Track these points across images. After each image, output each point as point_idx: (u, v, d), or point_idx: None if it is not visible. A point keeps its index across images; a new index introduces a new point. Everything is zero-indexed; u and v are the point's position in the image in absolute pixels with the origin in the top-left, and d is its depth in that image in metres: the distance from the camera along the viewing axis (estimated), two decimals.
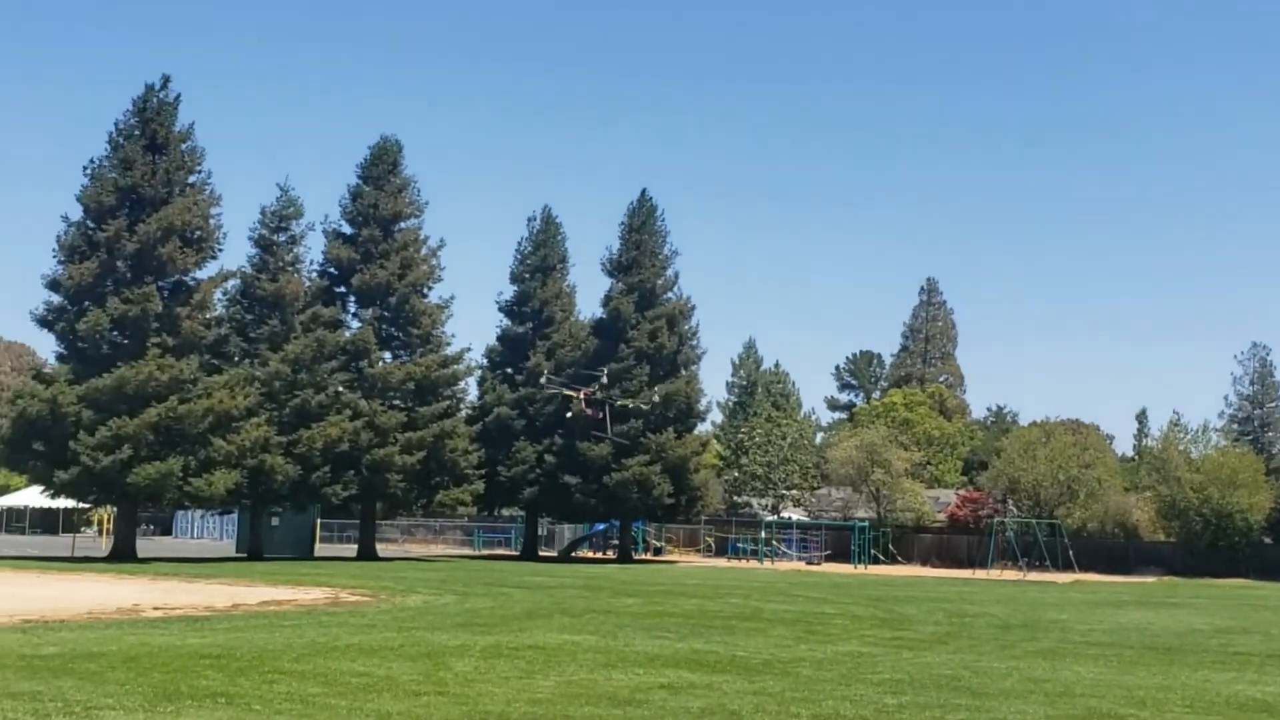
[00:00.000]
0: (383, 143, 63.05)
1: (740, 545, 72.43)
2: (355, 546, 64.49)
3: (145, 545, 60.06)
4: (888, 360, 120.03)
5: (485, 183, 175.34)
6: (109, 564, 45.95)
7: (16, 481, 77.71)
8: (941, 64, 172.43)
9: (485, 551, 75.85)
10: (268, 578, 38.05)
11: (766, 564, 66.56)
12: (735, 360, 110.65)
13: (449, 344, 63.35)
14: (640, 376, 65.10)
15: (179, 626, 21.07)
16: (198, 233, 52.69)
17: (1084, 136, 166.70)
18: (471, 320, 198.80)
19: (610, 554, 72.85)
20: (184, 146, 53.12)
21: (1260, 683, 17.08)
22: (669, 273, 69.97)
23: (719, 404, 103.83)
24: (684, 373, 69.13)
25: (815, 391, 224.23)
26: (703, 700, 13.56)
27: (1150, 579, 61.08)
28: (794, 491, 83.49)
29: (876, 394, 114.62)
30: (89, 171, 51.89)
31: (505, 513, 79.51)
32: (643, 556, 72.87)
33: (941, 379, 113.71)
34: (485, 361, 69.70)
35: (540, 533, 74.58)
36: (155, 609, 24.70)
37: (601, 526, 74.22)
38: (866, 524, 70.85)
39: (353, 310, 62.40)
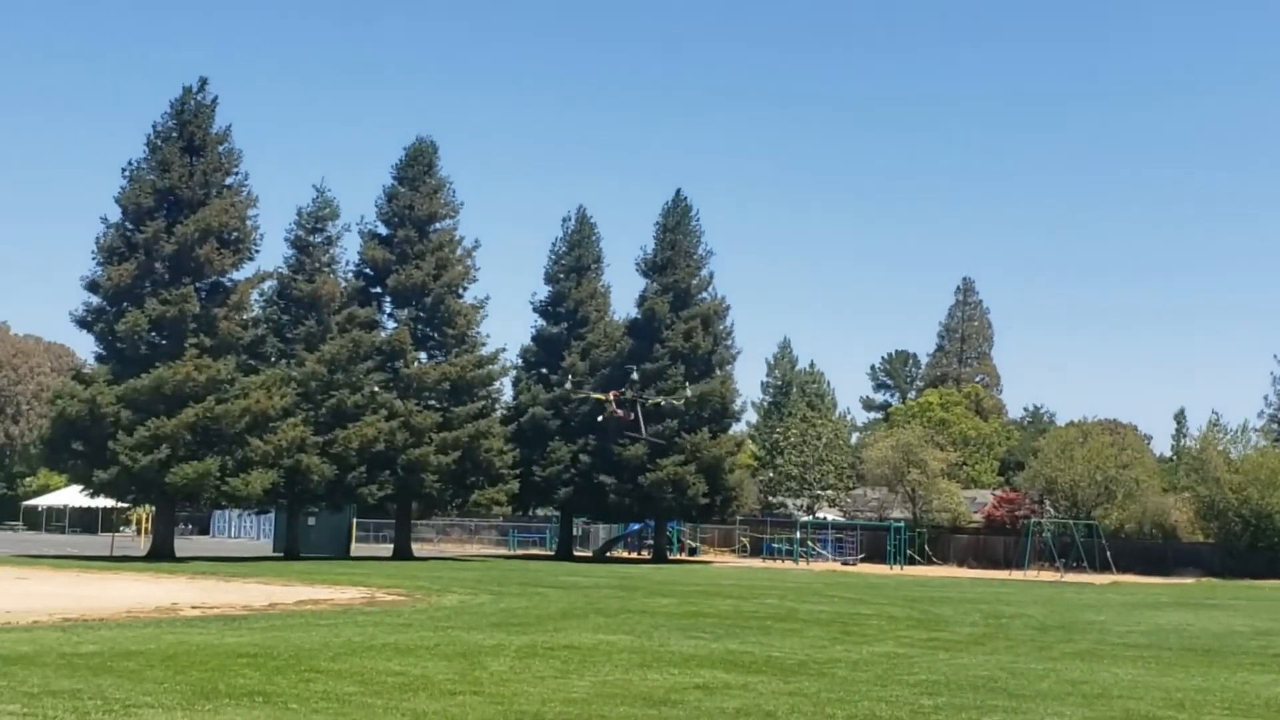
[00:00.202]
0: (418, 144, 63.28)
1: (775, 546, 72.28)
2: (391, 546, 64.70)
3: (183, 544, 60.43)
4: (923, 360, 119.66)
5: (520, 183, 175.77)
6: (147, 563, 46.25)
7: (56, 481, 78.48)
8: (978, 63, 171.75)
9: (520, 551, 75.96)
10: (304, 577, 38.21)
11: (801, 564, 66.42)
12: (770, 360, 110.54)
13: (484, 344, 63.59)
14: (675, 376, 65.07)
15: (216, 625, 21.18)
16: (235, 234, 53.00)
17: (1121, 134, 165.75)
18: (506, 321, 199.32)
19: (645, 554, 72.85)
20: (221, 148, 53.43)
21: None
22: (704, 273, 69.99)
23: (754, 404, 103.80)
24: (719, 373, 69.07)
25: (850, 391, 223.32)
26: (738, 701, 13.53)
27: (1189, 580, 60.61)
28: (829, 492, 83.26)
29: (912, 394, 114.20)
30: (127, 173, 52.31)
31: (540, 513, 79.62)
32: (677, 557, 72.84)
33: (978, 379, 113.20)
34: (520, 362, 69.83)
35: (575, 533, 74.63)
36: (193, 608, 24.85)
37: (636, 526, 74.21)
38: (902, 524, 70.60)
39: (388, 311, 62.67)
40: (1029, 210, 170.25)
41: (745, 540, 77.41)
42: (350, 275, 61.82)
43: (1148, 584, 54.85)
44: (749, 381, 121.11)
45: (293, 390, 54.06)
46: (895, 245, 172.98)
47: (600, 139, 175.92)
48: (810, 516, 77.90)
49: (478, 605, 28.00)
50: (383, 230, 62.52)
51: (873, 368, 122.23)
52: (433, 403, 60.23)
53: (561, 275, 70.21)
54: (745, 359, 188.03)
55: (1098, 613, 31.94)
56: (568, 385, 62.58)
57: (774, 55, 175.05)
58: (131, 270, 50.62)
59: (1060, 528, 67.99)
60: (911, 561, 69.16)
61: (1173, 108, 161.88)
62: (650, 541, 72.08)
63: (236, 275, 53.76)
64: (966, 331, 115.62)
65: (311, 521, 60.93)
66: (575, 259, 70.31)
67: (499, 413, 65.88)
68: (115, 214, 52.18)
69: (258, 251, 54.45)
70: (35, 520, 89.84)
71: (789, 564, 66.94)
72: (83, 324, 51.95)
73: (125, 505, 65.90)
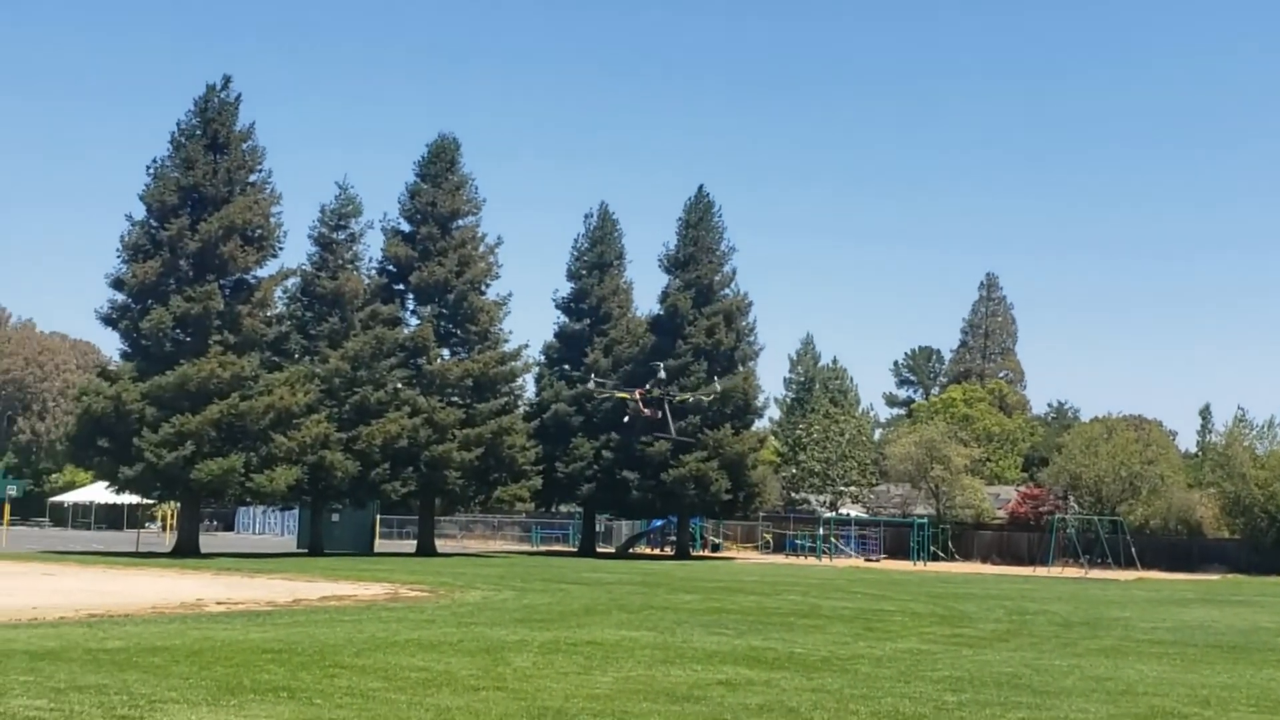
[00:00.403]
0: (440, 141, 63.41)
1: (798, 542, 72.21)
2: (414, 542, 64.85)
3: (208, 540, 60.68)
4: (947, 356, 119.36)
5: (542, 180, 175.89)
6: (172, 559, 46.49)
7: (82, 477, 78.92)
8: (1001, 57, 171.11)
9: (543, 548, 76.05)
10: (328, 573, 38.34)
11: (825, 561, 66.33)
12: (793, 356, 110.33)
13: (507, 341, 63.73)
14: (698, 373, 65.04)
15: (241, 621, 21.27)
16: (258, 231, 53.22)
17: (1144, 128, 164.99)
18: (529, 317, 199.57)
19: (668, 550, 72.86)
20: (245, 146, 53.66)
21: None
22: (726, 269, 69.96)
23: (776, 400, 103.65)
24: (741, 369, 68.99)
25: (874, 387, 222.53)
26: (761, 697, 13.53)
27: (1215, 576, 60.30)
28: (852, 488, 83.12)
29: (935, 390, 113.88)
30: (152, 171, 52.60)
31: (563, 509, 79.69)
32: (700, 553, 72.84)
33: (1001, 375, 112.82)
34: (543, 358, 69.88)
35: (598, 529, 74.68)
36: (218, 604, 24.96)
37: (659, 523, 74.22)
38: (925, 521, 70.42)
39: (411, 308, 62.87)
40: (1053, 206, 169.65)
41: (768, 536, 77.34)
42: (373, 272, 62.00)
43: (1173, 580, 54.60)
44: (772, 378, 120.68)
45: (316, 387, 54.24)
46: (919, 241, 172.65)
47: (623, 136, 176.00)
48: (833, 513, 77.79)
49: (501, 601, 28.05)
50: (405, 227, 62.69)
51: (896, 364, 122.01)
52: (455, 399, 60.36)
53: (584, 272, 70.23)
54: (768, 355, 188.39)
55: (1122, 609, 31.82)
56: (591, 384, 62.43)
57: (794, 53, 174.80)
58: (156, 267, 50.87)
59: (1085, 524, 67.73)
60: (935, 558, 68.99)
61: (1193, 100, 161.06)
62: (673, 538, 72.07)
63: (260, 272, 54.15)
64: (990, 327, 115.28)
65: (335, 518, 61.11)
66: (597, 255, 70.33)
67: (522, 409, 65.97)
68: (140, 211, 52.56)
69: (281, 248, 54.89)
70: (61, 517, 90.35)
71: (812, 560, 66.86)
72: (108, 321, 52.26)
73: (150, 502, 66.23)
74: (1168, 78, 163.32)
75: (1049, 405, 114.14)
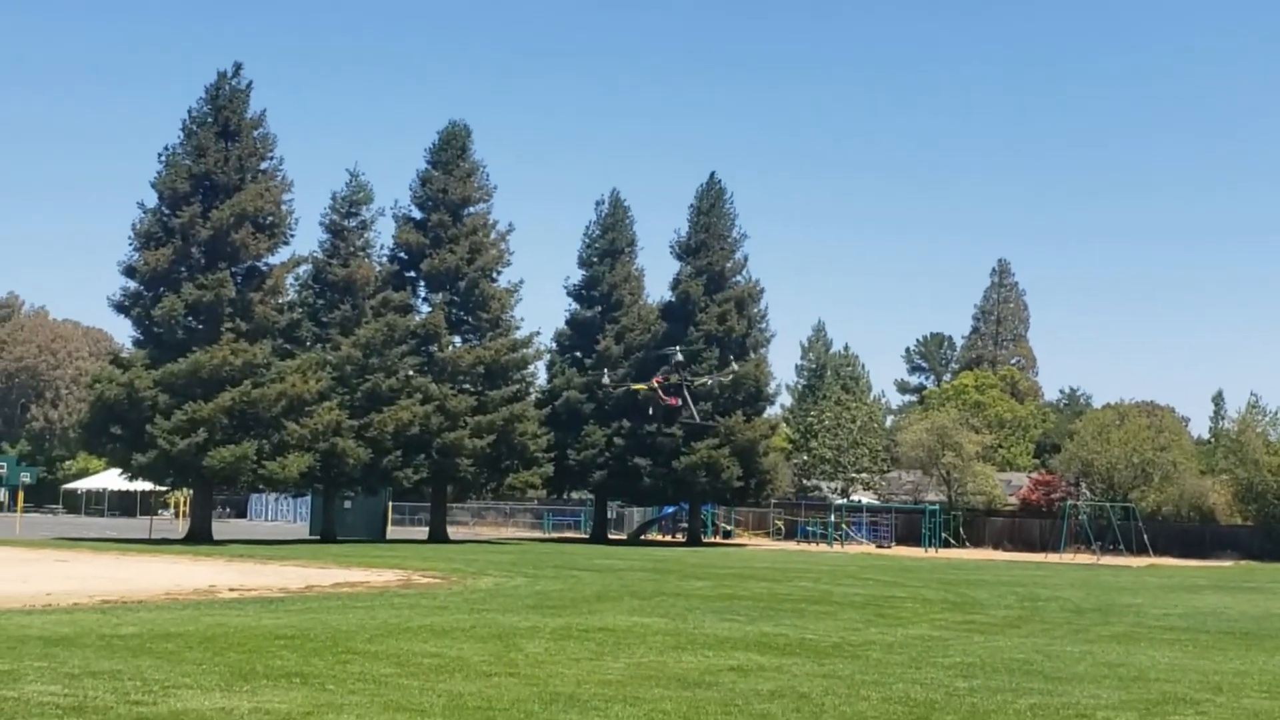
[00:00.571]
0: (451, 127, 63.36)
1: (810, 529, 72.24)
2: (426, 529, 64.98)
3: (220, 527, 60.88)
4: (959, 342, 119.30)
5: (554, 167, 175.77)
6: (185, 545, 46.60)
7: (95, 464, 79.11)
8: (1014, 45, 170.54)
9: (555, 534, 76.16)
10: (340, 560, 38.44)
11: (836, 547, 66.34)
12: (804, 343, 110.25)
13: (518, 328, 63.70)
14: (710, 359, 65.04)
15: (254, 607, 21.33)
16: (270, 218, 53.27)
17: (1156, 115, 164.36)
18: (540, 305, 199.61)
19: (679, 537, 72.93)
20: (256, 133, 53.69)
21: None
22: (738, 255, 69.94)
23: (788, 387, 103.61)
24: (753, 356, 68.98)
25: (885, 374, 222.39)
26: (772, 683, 13.54)
27: (1227, 563, 60.22)
28: (863, 475, 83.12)
29: (947, 376, 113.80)
30: (164, 158, 52.65)
31: (575, 496, 79.80)
32: (712, 540, 72.90)
33: (1013, 361, 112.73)
34: (554, 345, 69.89)
35: (609, 516, 74.75)
36: (231, 590, 25.03)
37: (671, 510, 74.27)
38: (937, 507, 70.41)
39: (423, 295, 62.84)
40: (1066, 193, 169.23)
41: (780, 523, 77.38)
42: (384, 259, 62.01)
43: (1185, 567, 54.54)
44: (783, 365, 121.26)
45: (328, 374, 54.32)
46: (931, 227, 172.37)
47: (635, 120, 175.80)
48: (845, 499, 77.79)
49: (513, 588, 28.10)
50: (416, 214, 62.69)
51: (908, 350, 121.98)
52: (467, 386, 60.40)
53: (595, 259, 70.17)
54: (779, 342, 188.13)
55: (1134, 595, 31.79)
56: (605, 379, 62.26)
57: (806, 39, 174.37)
58: (168, 255, 50.96)
59: (1096, 510, 67.66)
60: (946, 544, 68.97)
61: (1204, 86, 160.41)
62: (684, 525, 72.15)
63: (272, 260, 54.19)
64: (1002, 314, 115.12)
65: (347, 505, 61.23)
66: (609, 242, 70.26)
67: (533, 396, 66.00)
68: (152, 199, 52.68)
69: (293, 236, 54.98)
70: (75, 503, 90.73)
71: (823, 547, 66.89)
72: (120, 309, 52.39)
73: (163, 488, 66.42)
74: (1180, 63, 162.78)
75: (1061, 392, 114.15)
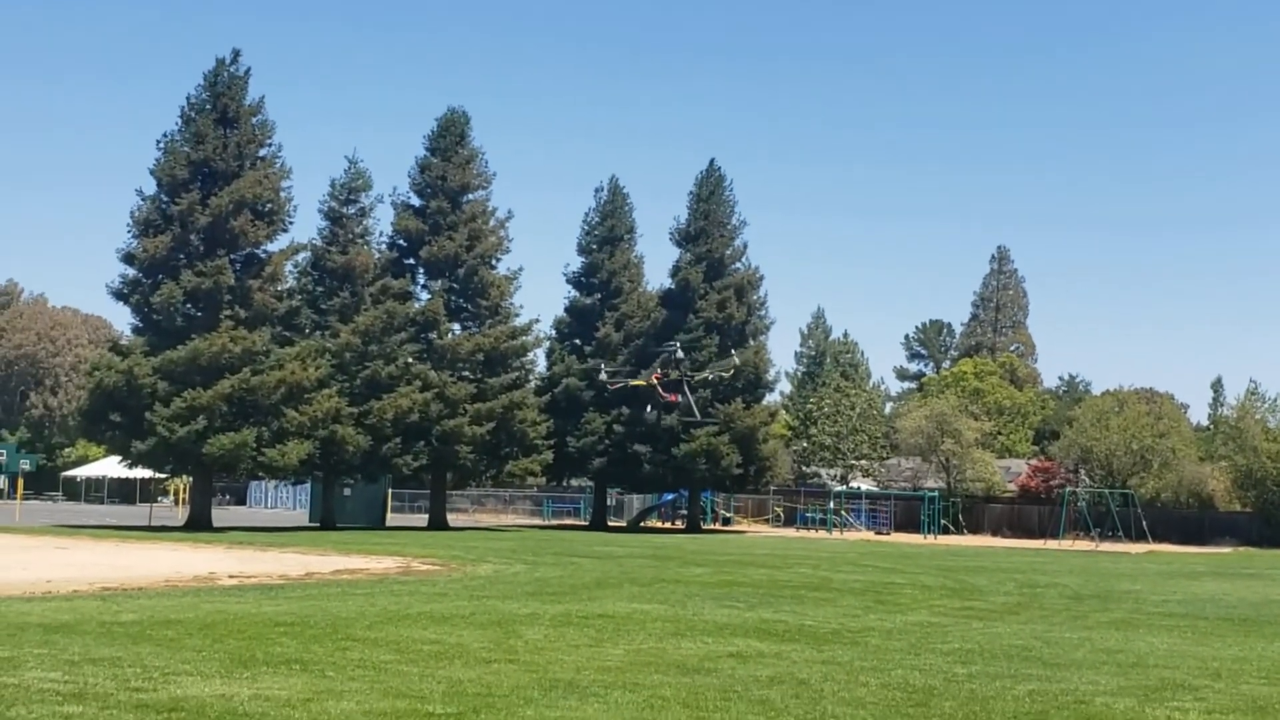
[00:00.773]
0: (450, 114, 63.26)
1: (809, 515, 72.28)
2: (426, 516, 65.00)
3: (220, 515, 60.90)
4: (958, 329, 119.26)
5: (553, 155, 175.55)
6: (185, 533, 46.63)
7: (94, 452, 79.13)
8: (1013, 31, 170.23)
9: (554, 521, 76.22)
10: (340, 547, 38.46)
11: (835, 534, 66.40)
12: (804, 330, 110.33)
13: (517, 315, 63.66)
14: (710, 347, 65.05)
15: (254, 594, 21.35)
16: (269, 206, 53.21)
17: (1155, 101, 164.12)
18: (540, 292, 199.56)
19: (679, 524, 72.97)
20: (254, 120, 53.61)
21: None
22: (737, 242, 69.94)
23: (787, 374, 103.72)
24: (752, 343, 69.03)
25: (884, 361, 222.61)
26: (771, 669, 13.57)
27: (1226, 550, 60.27)
28: (863, 462, 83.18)
29: (946, 363, 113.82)
30: (162, 145, 52.58)
31: (574, 483, 79.84)
32: (711, 526, 72.95)
33: (1012, 348, 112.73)
34: (554, 333, 69.86)
35: (609, 503, 74.81)
36: (230, 577, 25.05)
37: (670, 496, 74.33)
38: (936, 494, 70.45)
39: (422, 282, 62.78)
40: (1065, 179, 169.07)
41: (779, 510, 77.43)
42: (383, 246, 61.92)
43: (1184, 553, 54.59)
44: (783, 352, 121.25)
45: (327, 361, 54.30)
46: (930, 214, 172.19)
47: (634, 107, 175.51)
48: (844, 486, 77.85)
49: (512, 575, 28.12)
50: (415, 201, 62.62)
51: (907, 337, 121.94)
52: (467, 374, 60.37)
53: (594, 246, 70.09)
54: (779, 329, 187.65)
55: (1133, 582, 31.83)
56: (603, 375, 62.01)
57: (804, 25, 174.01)
58: (167, 242, 50.91)
59: (1095, 497, 67.69)
60: (945, 531, 69.02)
61: (1203, 75, 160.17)
62: (684, 511, 72.19)
63: (271, 247, 54.11)
64: (1001, 300, 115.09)
65: (347, 492, 61.26)
66: (608, 229, 70.18)
67: (533, 384, 65.96)
68: (151, 186, 52.60)
69: (291, 223, 54.93)
70: (74, 491, 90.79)
71: (823, 534, 66.93)
72: (119, 296, 52.33)
73: (163, 476, 66.42)
74: (1180, 51, 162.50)
75: (1060, 378, 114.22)
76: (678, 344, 61.10)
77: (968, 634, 17.80)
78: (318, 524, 57.79)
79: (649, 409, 61.16)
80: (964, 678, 13.30)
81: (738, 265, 69.56)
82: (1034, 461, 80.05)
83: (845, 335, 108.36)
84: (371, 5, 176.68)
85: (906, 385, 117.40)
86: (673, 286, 68.38)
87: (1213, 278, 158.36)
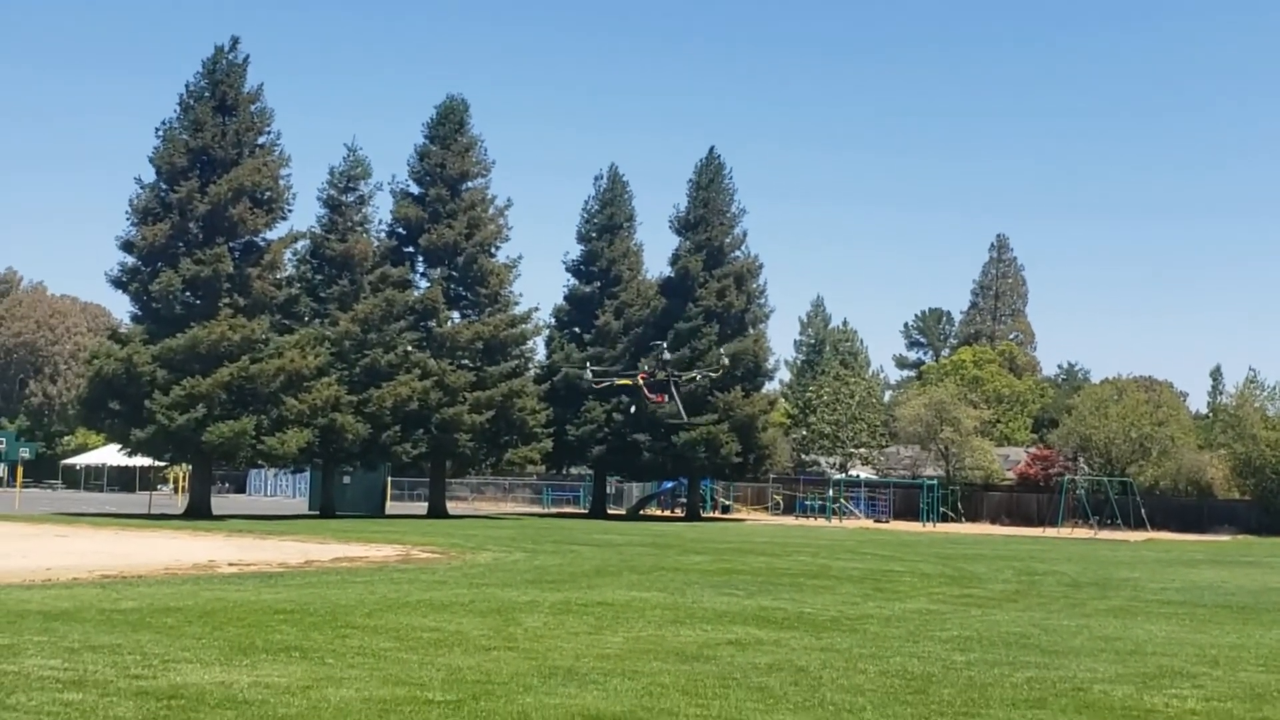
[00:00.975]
0: (449, 102, 63.16)
1: (808, 503, 72.36)
2: (425, 504, 65.04)
3: (220, 503, 60.92)
4: (957, 318, 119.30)
5: (552, 142, 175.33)
6: (185, 521, 46.65)
7: (94, 440, 79.23)
8: (1010, 18, 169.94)
9: (554, 509, 76.27)
10: (340, 535, 38.48)
11: (834, 522, 66.46)
12: (803, 318, 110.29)
13: (517, 303, 63.66)
14: (709, 335, 65.03)
15: (253, 582, 21.36)
16: (268, 193, 53.15)
17: (1155, 89, 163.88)
18: (539, 280, 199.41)
19: (678, 512, 73.01)
20: (253, 108, 53.53)
21: None
22: (737, 231, 69.90)
23: (787, 362, 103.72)
24: (752, 331, 68.99)
25: (884, 349, 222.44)
26: (770, 656, 13.58)
27: (1225, 537, 60.36)
28: (862, 450, 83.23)
29: (946, 351, 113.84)
30: (161, 133, 52.50)
31: (574, 471, 79.89)
32: (711, 515, 72.98)
33: (1012, 336, 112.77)
34: (553, 321, 69.83)
35: (608, 491, 74.85)
36: (230, 565, 25.06)
37: (669, 485, 74.37)
38: (935, 482, 70.52)
39: (421, 270, 62.77)
40: (1064, 167, 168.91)
41: (778, 498, 77.50)
42: (383, 234, 61.86)
43: (1183, 541, 54.67)
44: (782, 340, 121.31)
45: (327, 349, 54.28)
46: (929, 203, 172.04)
47: (633, 95, 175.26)
48: (843, 474, 77.90)
49: (512, 562, 28.14)
50: (415, 189, 62.56)
51: (906, 325, 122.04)
52: (466, 362, 60.38)
53: (594, 234, 70.05)
54: (778, 317, 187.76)
55: (1132, 570, 31.86)
56: (588, 374, 61.04)
57: (804, 14, 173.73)
58: (166, 230, 50.87)
59: (1094, 485, 67.77)
60: (944, 519, 69.10)
61: (1203, 65, 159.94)
62: (683, 500, 72.21)
63: (270, 235, 54.08)
64: (1001, 289, 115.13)
65: (346, 480, 61.29)
66: (608, 218, 70.12)
67: (532, 372, 65.94)
68: (149, 174, 52.52)
69: (290, 211, 54.91)
70: (74, 479, 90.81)
71: (822, 522, 66.99)
72: (118, 284, 52.29)
73: (162, 464, 66.47)
74: (1178, 37, 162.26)
75: (1059, 367, 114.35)
76: (665, 345, 60.96)
77: (966, 621, 17.82)
78: (317, 512, 57.81)
79: (632, 409, 61.12)
80: (962, 665, 13.32)
81: (737, 253, 69.52)
82: (1033, 449, 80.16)
83: (845, 323, 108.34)
84: None
85: (906, 373, 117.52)
86: (672, 275, 68.34)
87: (1212, 266, 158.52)
